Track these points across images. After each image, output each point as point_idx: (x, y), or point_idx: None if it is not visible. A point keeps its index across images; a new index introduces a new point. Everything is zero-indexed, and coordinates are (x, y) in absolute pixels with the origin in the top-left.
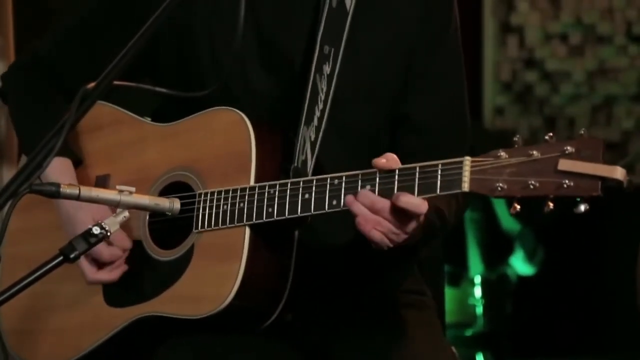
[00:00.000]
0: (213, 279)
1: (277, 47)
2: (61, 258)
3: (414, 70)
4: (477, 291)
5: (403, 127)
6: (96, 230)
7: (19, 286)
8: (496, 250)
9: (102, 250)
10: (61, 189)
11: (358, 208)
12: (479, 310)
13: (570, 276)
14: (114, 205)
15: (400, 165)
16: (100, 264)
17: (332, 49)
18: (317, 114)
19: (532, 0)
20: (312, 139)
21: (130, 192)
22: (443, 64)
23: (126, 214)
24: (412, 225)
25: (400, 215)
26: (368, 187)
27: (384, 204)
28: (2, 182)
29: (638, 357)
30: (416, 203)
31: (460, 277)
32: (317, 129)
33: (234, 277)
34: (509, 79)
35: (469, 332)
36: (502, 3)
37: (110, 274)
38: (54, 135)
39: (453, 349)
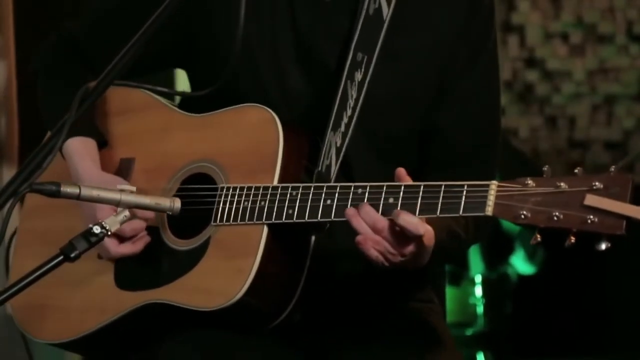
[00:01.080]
0: (226, 273)
1: (313, 50)
2: (61, 257)
3: (448, 83)
4: (478, 290)
5: (433, 139)
6: (97, 229)
7: (20, 284)
8: (497, 249)
9: (123, 225)
10: (61, 189)
11: (359, 225)
12: (480, 309)
13: (570, 276)
14: (114, 205)
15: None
16: (121, 238)
17: (366, 57)
18: (345, 120)
19: (533, 0)
20: (338, 144)
21: (132, 192)
22: (479, 78)
23: (127, 213)
24: (410, 247)
25: (398, 235)
26: (391, 199)
27: (385, 223)
28: (2, 181)
29: (638, 357)
30: (414, 222)
31: (460, 276)
32: (344, 135)
33: (247, 273)
34: (510, 78)
35: (469, 332)
36: (503, 2)
37: (134, 246)
38: (55, 135)
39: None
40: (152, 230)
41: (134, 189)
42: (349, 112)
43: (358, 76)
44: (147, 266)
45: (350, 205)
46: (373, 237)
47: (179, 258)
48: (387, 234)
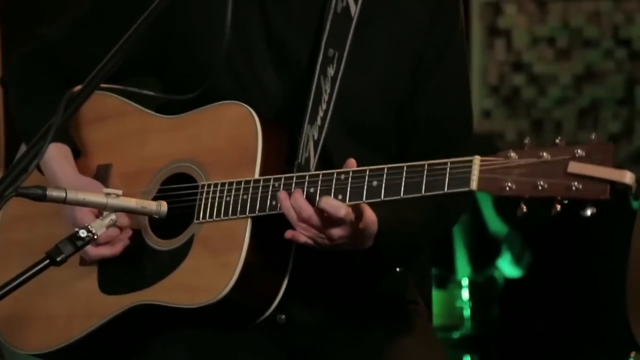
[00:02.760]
0: (211, 269)
1: (286, 47)
2: (47, 262)
3: (421, 71)
4: (465, 294)
5: (410, 126)
6: (83, 233)
7: (5, 289)
8: (483, 252)
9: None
10: (47, 192)
11: (288, 212)
12: (467, 312)
13: (557, 278)
14: (101, 209)
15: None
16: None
17: (337, 53)
18: (321, 114)
19: (520, 4)
20: (315, 137)
21: (117, 195)
22: (450, 64)
23: (113, 217)
24: (337, 231)
25: (326, 220)
26: (375, 182)
27: (310, 211)
28: None
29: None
30: (335, 205)
31: (447, 279)
32: (320, 128)
33: (232, 268)
34: (496, 83)
35: (456, 335)
36: (490, 6)
37: (113, 248)
38: (40, 139)
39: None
40: (134, 232)
41: (120, 192)
42: (324, 106)
43: (330, 71)
44: (131, 269)
45: (334, 191)
46: (299, 224)
47: (162, 258)
48: (316, 220)
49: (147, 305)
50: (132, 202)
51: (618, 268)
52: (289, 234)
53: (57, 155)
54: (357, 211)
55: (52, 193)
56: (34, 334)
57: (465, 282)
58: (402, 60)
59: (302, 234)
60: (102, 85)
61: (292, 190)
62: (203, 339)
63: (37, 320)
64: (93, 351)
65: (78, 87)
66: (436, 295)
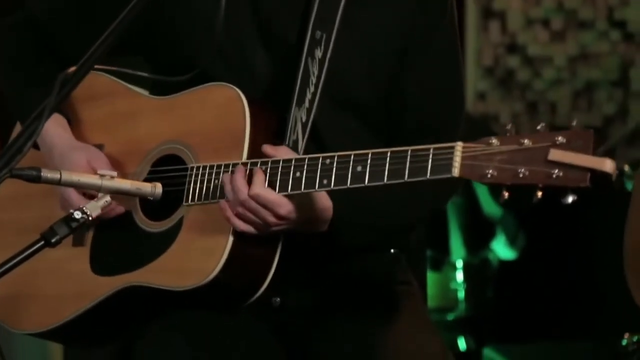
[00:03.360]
0: (200, 252)
1: (274, 28)
2: (42, 243)
3: (410, 50)
4: (459, 275)
5: (398, 105)
6: (77, 214)
7: (1, 270)
8: (478, 234)
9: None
10: (42, 174)
11: (228, 192)
12: (461, 294)
13: (551, 260)
14: (95, 190)
15: (287, 157)
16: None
17: (324, 35)
18: (309, 96)
19: None
20: (304, 120)
21: (112, 177)
22: (440, 43)
23: (108, 198)
24: (268, 215)
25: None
26: (359, 168)
27: (245, 196)
28: None
29: (619, 341)
30: (238, 186)
31: (442, 261)
32: (308, 110)
33: (220, 251)
34: (491, 64)
35: (450, 317)
36: None
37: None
38: (34, 120)
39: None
40: (125, 213)
41: (114, 174)
42: (312, 88)
43: (318, 54)
44: (122, 250)
45: (319, 176)
46: (236, 208)
47: (153, 240)
48: (251, 204)
49: (138, 286)
50: (126, 184)
51: (613, 249)
52: (229, 219)
53: (53, 124)
54: (307, 197)
55: (47, 175)
56: (28, 313)
57: (459, 264)
58: (390, 41)
59: (236, 219)
60: (97, 66)
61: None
62: (199, 323)
63: (31, 300)
64: (87, 331)
65: (72, 68)
66: (431, 277)
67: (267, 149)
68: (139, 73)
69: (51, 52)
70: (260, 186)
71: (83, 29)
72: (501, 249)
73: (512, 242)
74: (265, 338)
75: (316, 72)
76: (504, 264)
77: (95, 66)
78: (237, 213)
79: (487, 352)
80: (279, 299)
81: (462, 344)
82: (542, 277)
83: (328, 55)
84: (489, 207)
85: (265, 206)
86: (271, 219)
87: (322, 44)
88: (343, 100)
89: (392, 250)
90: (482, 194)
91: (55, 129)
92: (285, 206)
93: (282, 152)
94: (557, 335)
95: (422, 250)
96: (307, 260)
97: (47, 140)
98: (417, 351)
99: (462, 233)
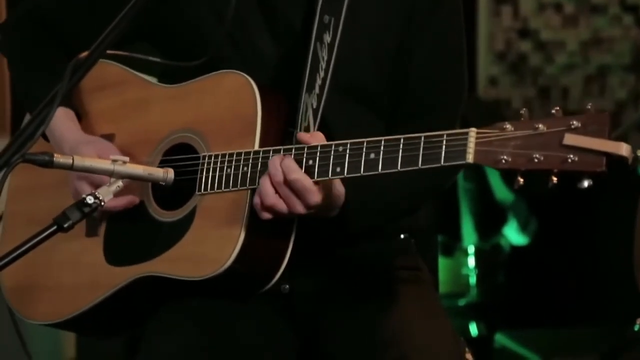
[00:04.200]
0: (214, 241)
1: (279, 14)
2: (55, 227)
3: (413, 31)
4: (471, 261)
5: (400, 86)
6: (90, 199)
7: (12, 255)
8: (489, 220)
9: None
10: (54, 159)
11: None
12: (472, 280)
13: (563, 246)
14: (107, 175)
15: (324, 142)
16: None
17: (332, 19)
18: (319, 81)
19: None
20: (314, 106)
21: (124, 162)
22: (442, 24)
23: (120, 183)
24: (298, 205)
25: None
26: (372, 155)
27: (281, 177)
28: None
29: (630, 327)
30: (291, 166)
31: (453, 247)
32: (319, 96)
33: (234, 240)
34: (503, 49)
35: (462, 302)
36: None
37: (117, 201)
38: (46, 106)
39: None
40: (138, 204)
41: (126, 159)
42: (322, 73)
43: (327, 38)
44: (136, 240)
45: (332, 164)
46: (270, 198)
47: (166, 230)
48: (285, 190)
49: (153, 277)
50: (139, 169)
51: (624, 235)
52: (262, 213)
53: (62, 117)
54: (326, 186)
55: (59, 159)
56: (43, 304)
57: (471, 249)
58: (393, 23)
59: (264, 211)
60: (109, 51)
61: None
62: (208, 309)
63: (46, 291)
64: (102, 321)
65: (84, 54)
66: (442, 262)
67: (303, 136)
68: (151, 58)
69: (60, 43)
70: (299, 171)
71: (91, 19)
72: (513, 235)
73: (523, 227)
74: (275, 324)
75: (325, 57)
76: (515, 249)
77: (107, 51)
78: (271, 203)
79: (499, 337)
80: (287, 285)
81: (473, 329)
82: (553, 262)
83: (337, 40)
84: (501, 192)
85: (299, 192)
86: (300, 207)
87: (331, 28)
88: (351, 87)
89: (401, 236)
90: (494, 179)
91: (64, 122)
92: (316, 194)
93: (318, 138)
94: (569, 320)
95: (433, 236)
96: (316, 247)
97: (56, 135)
98: (427, 336)
99: (473, 219)
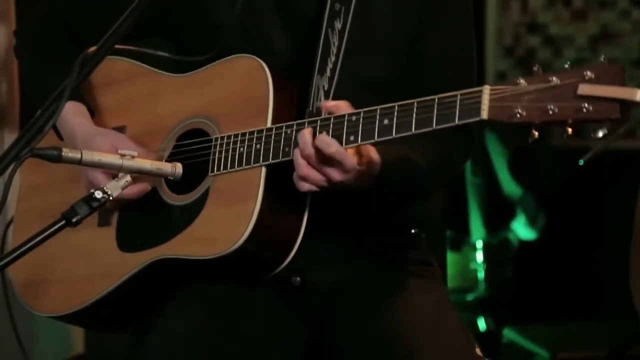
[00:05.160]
0: (227, 219)
1: (292, 3)
2: (64, 222)
3: (424, 18)
4: (479, 256)
5: (414, 73)
6: (98, 194)
7: (21, 250)
8: (498, 215)
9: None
10: (63, 153)
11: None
12: (481, 275)
13: (571, 241)
14: (116, 170)
15: (350, 111)
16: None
17: (343, 7)
18: (330, 65)
19: None
20: (326, 88)
21: (133, 157)
22: (454, 10)
23: (128, 178)
24: (335, 172)
25: (325, 160)
26: (386, 121)
27: (311, 149)
28: (4, 146)
29: (638, 322)
30: (326, 141)
31: (461, 242)
32: (330, 79)
33: (248, 217)
34: (512, 44)
35: (470, 297)
36: None
37: (130, 189)
38: (55, 100)
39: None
40: (150, 190)
41: (135, 153)
42: (333, 58)
43: (338, 25)
44: (149, 226)
45: (346, 133)
46: (301, 161)
47: (179, 213)
48: (314, 159)
49: (165, 259)
50: (147, 164)
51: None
52: (299, 183)
53: (73, 111)
54: (360, 151)
55: (68, 154)
56: (54, 296)
57: (479, 244)
58: (405, 11)
59: (303, 182)
60: (117, 46)
61: None
62: (219, 298)
63: (57, 283)
64: (111, 312)
65: (93, 48)
66: (450, 257)
67: (328, 104)
68: (160, 53)
69: (77, 43)
70: (335, 143)
71: (103, 18)
72: (521, 230)
73: (532, 222)
74: (285, 316)
75: (337, 43)
76: (524, 244)
77: (116, 46)
78: (305, 173)
79: (507, 332)
80: (299, 278)
81: (481, 324)
82: (562, 257)
83: (347, 27)
84: (509, 187)
85: (339, 162)
86: (337, 175)
87: (342, 15)
88: (362, 72)
89: (412, 231)
90: (503, 174)
91: (75, 116)
92: (351, 159)
93: (343, 107)
94: (577, 315)
95: (441, 231)
96: (328, 240)
97: (67, 130)
98: (438, 331)
99: (482, 213)
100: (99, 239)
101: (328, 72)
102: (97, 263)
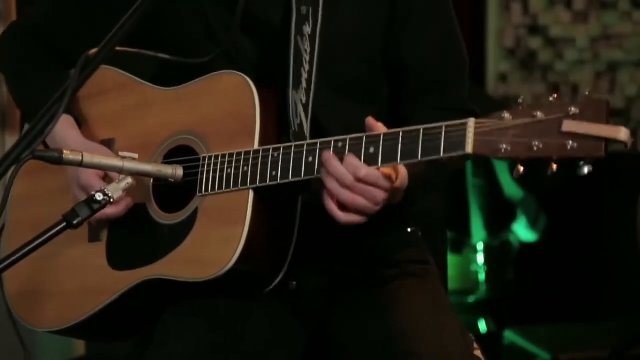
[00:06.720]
0: (216, 242)
1: (254, 12)
2: (64, 224)
3: (398, 14)
4: (480, 258)
5: (400, 72)
6: (99, 196)
7: (21, 252)
8: (499, 216)
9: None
10: (64, 156)
11: (341, 175)
12: (482, 276)
13: (572, 242)
14: (117, 172)
15: (386, 131)
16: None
17: (310, 9)
18: (305, 76)
19: None
20: (304, 101)
21: (133, 159)
22: (428, 5)
23: (129, 180)
24: (379, 192)
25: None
26: (372, 149)
27: (349, 178)
28: (5, 148)
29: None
30: (355, 165)
31: (462, 243)
32: (307, 91)
33: (237, 240)
34: (513, 46)
35: (471, 299)
36: None
37: (116, 208)
38: (56, 102)
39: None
40: (139, 207)
41: (135, 156)
42: (307, 67)
43: (307, 30)
44: (138, 244)
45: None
46: (342, 195)
47: (168, 232)
48: (358, 186)
49: (157, 279)
50: (148, 166)
51: (633, 231)
52: (340, 216)
53: (63, 123)
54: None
55: (69, 156)
56: (47, 311)
57: (480, 246)
58: (375, 8)
59: (342, 213)
60: (118, 48)
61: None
62: (215, 308)
63: (50, 298)
64: (107, 326)
65: (93, 50)
66: (451, 259)
67: (370, 121)
68: (161, 55)
69: (56, 55)
70: (365, 165)
71: (81, 32)
72: (522, 231)
73: (533, 224)
74: (283, 320)
75: (308, 49)
76: (525, 246)
77: (117, 48)
78: (342, 199)
79: (508, 334)
80: (295, 282)
81: (482, 326)
82: (563, 259)
83: (318, 30)
84: (510, 189)
85: (374, 184)
86: (381, 195)
87: (310, 19)
88: (337, 76)
89: (409, 230)
90: (503, 175)
91: (65, 130)
92: (384, 180)
93: (380, 127)
94: (578, 317)
95: (442, 232)
96: (322, 243)
97: (57, 140)
98: (436, 331)
99: (483, 215)
100: (90, 255)
101: (304, 84)
102: (89, 279)
